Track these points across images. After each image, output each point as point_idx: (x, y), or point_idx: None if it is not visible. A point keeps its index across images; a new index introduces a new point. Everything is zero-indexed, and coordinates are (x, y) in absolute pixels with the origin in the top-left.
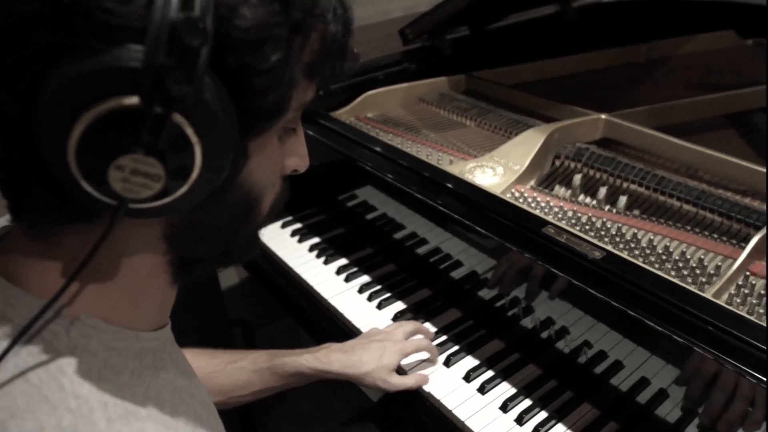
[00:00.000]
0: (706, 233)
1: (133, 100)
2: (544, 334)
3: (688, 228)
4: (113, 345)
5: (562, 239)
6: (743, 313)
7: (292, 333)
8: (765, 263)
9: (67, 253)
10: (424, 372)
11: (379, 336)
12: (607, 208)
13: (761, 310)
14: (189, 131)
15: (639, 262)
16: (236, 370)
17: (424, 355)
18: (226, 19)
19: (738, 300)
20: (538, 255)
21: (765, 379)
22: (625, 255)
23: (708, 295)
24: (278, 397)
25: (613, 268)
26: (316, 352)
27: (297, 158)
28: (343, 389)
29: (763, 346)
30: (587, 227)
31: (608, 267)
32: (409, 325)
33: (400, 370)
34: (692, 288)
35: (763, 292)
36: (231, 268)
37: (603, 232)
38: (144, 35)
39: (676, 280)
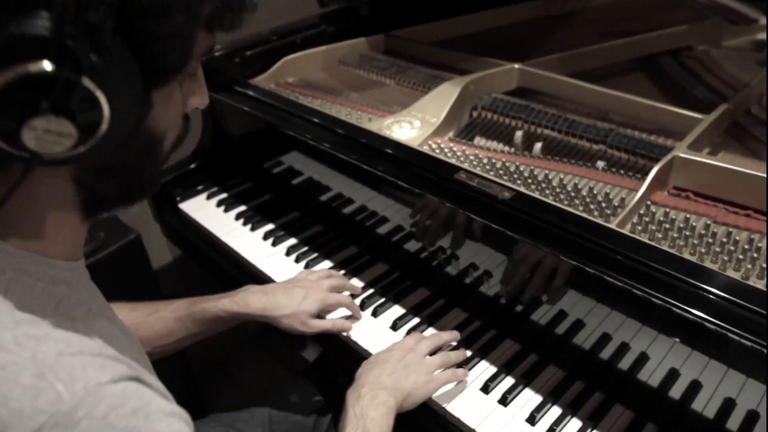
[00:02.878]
0: (614, 170)
1: (43, 65)
2: (468, 279)
3: (597, 166)
4: (22, 267)
5: (474, 183)
6: (645, 239)
7: None
8: (665, 193)
9: None
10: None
11: (303, 283)
12: (523, 154)
13: (660, 236)
14: (97, 92)
15: (549, 200)
16: (157, 320)
17: (346, 312)
18: None
19: (640, 228)
20: (452, 200)
21: (660, 296)
22: (536, 195)
23: (612, 225)
24: (221, 366)
25: (522, 206)
26: (234, 296)
27: (197, 97)
28: (282, 354)
29: (661, 267)
30: (501, 172)
31: (517, 206)
32: (335, 280)
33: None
34: (598, 220)
35: (662, 218)
36: (163, 246)
37: (516, 176)
38: (51, 4)
39: (583, 214)
